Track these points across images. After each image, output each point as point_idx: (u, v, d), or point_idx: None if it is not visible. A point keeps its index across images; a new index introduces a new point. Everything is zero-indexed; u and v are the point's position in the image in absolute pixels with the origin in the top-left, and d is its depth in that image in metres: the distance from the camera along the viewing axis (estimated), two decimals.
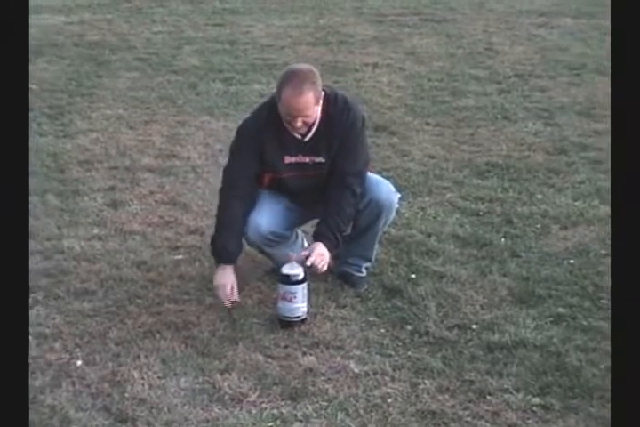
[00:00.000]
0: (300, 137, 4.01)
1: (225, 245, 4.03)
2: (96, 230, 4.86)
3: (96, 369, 3.60)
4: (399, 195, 4.25)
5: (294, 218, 4.14)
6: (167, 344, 3.77)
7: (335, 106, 4.01)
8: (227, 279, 3.98)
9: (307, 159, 4.05)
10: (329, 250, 3.96)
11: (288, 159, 4.04)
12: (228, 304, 3.97)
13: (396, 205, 4.22)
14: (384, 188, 4.15)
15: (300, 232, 4.31)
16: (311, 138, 4.02)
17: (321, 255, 3.90)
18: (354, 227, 4.23)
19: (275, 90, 3.94)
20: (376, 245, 4.32)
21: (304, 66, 4.06)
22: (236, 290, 3.99)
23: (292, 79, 3.86)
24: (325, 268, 3.95)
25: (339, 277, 4.33)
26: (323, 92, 3.96)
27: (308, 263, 3.86)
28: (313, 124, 3.98)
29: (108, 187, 5.48)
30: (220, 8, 11.25)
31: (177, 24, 10.38)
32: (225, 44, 9.35)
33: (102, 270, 4.41)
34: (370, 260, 4.34)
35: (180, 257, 4.57)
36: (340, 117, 4.00)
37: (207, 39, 9.56)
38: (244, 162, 4.05)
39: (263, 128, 4.01)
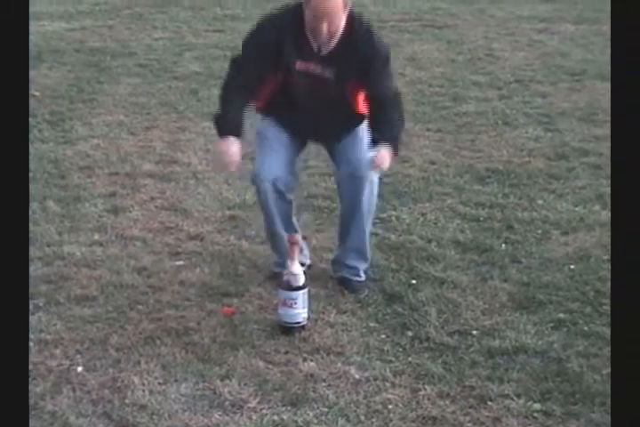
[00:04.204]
0: (316, 50, 4.01)
1: (229, 118, 4.06)
2: (97, 236, 4.87)
3: (96, 375, 3.60)
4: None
5: (294, 155, 4.25)
6: (168, 350, 3.77)
7: (360, 26, 4.01)
8: (230, 145, 4.01)
9: (318, 70, 4.03)
10: (391, 153, 4.02)
11: (300, 64, 4.02)
12: (233, 168, 4.05)
13: (376, 179, 4.23)
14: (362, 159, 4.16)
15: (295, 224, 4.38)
16: (328, 53, 4.01)
17: (387, 160, 3.99)
18: (341, 208, 4.34)
19: None
20: (367, 239, 4.34)
21: None
22: (238, 157, 4.02)
23: None
24: (387, 166, 4.03)
25: (339, 283, 4.34)
26: (350, 9, 3.95)
27: (376, 161, 3.96)
28: (332, 38, 3.96)
29: (109, 193, 5.49)
30: (221, 14, 11.29)
31: (178, 30, 10.41)
32: (226, 50, 9.35)
33: (103, 276, 4.42)
34: (366, 259, 4.36)
35: (181, 263, 4.58)
36: (362, 38, 4.00)
37: (208, 45, 9.59)
38: (258, 55, 4.04)
39: (285, 28, 4.00)
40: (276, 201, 4.19)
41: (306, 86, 4.08)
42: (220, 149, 4.05)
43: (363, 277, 4.35)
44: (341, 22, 3.93)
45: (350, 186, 4.20)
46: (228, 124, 4.06)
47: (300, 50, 4.01)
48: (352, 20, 3.99)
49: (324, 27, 3.89)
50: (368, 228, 4.36)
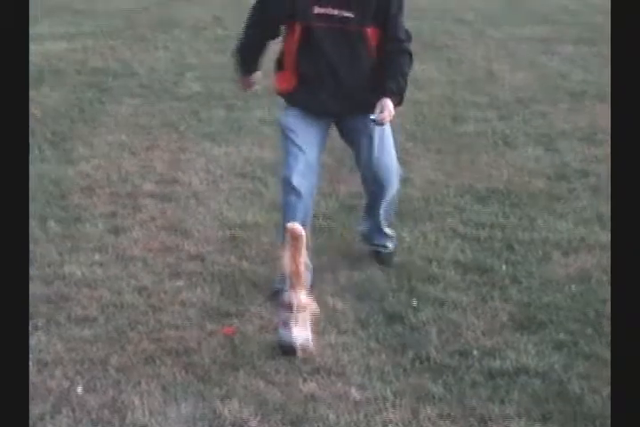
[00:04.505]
0: None
1: (246, 61, 4.60)
2: (97, 256, 4.87)
3: (96, 396, 3.60)
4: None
5: (320, 148, 4.53)
6: (168, 371, 3.77)
7: None
8: (246, 81, 4.69)
9: (335, 12, 4.29)
10: (394, 105, 4.33)
11: (317, 9, 4.29)
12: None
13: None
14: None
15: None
16: None
17: (390, 112, 4.30)
18: (367, 198, 4.82)
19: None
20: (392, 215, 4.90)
21: None
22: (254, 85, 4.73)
23: None
24: (388, 120, 4.36)
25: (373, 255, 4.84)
26: None
27: (378, 117, 4.28)
28: None
29: (110, 213, 5.50)
30: (222, 35, 11.30)
31: (179, 51, 10.45)
32: (227, 70, 9.37)
33: (103, 296, 4.42)
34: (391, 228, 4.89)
35: (181, 283, 4.58)
36: None
37: (209, 66, 9.61)
38: (275, 4, 4.40)
39: None
40: (299, 205, 4.41)
41: (326, 29, 4.32)
42: (240, 82, 4.78)
43: (392, 245, 4.87)
44: None
45: (373, 187, 4.68)
46: (243, 64, 4.61)
47: None
48: None
49: None
50: (393, 205, 4.85)
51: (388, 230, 4.88)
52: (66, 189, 5.91)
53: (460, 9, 12.60)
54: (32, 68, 9.22)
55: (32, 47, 10.24)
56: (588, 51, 10.16)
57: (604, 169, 6.15)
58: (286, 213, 4.42)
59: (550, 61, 9.75)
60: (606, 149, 6.54)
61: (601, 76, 8.90)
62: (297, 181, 4.37)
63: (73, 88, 8.65)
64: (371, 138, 4.52)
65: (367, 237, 4.92)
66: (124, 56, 10.12)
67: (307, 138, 4.44)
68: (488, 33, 11.43)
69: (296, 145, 4.40)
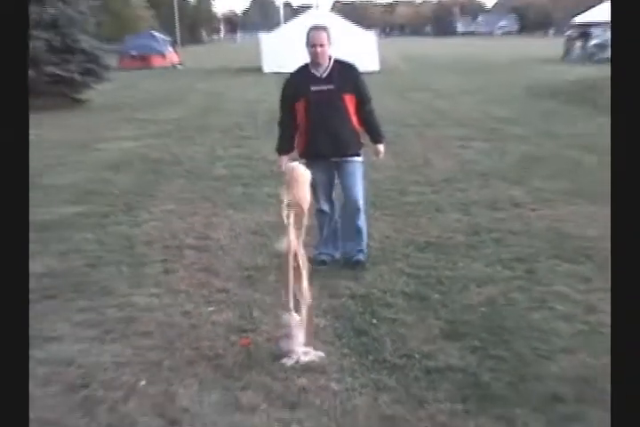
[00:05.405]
0: (319, 76, 4.84)
1: (281, 144, 5.02)
2: (154, 290, 4.90)
3: (154, 388, 3.61)
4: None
5: (331, 184, 5.14)
6: (203, 370, 3.78)
7: (345, 61, 4.93)
8: (282, 161, 4.91)
9: (325, 87, 4.82)
10: (381, 144, 5.19)
11: (313, 87, 4.82)
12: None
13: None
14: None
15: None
16: (327, 75, 4.84)
17: (381, 150, 5.26)
18: (342, 223, 5.27)
19: None
20: (365, 235, 5.23)
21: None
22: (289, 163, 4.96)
23: (315, 26, 4.84)
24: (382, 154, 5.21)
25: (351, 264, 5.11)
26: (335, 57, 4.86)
27: (377, 156, 5.25)
28: (328, 66, 4.83)
29: (163, 259, 5.52)
30: (241, 135, 11.49)
31: (212, 146, 10.57)
32: (244, 159, 9.52)
33: (159, 318, 4.44)
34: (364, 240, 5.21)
35: (212, 309, 4.60)
36: (350, 66, 4.92)
37: (232, 157, 9.73)
38: (289, 109, 4.89)
39: (296, 73, 4.90)
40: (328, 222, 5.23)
41: (319, 98, 4.80)
42: (279, 163, 4.99)
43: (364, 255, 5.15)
44: (329, 51, 4.79)
45: (350, 213, 5.11)
46: (280, 148, 5.00)
47: (311, 79, 4.82)
48: (338, 60, 4.89)
49: (319, 49, 4.72)
50: (365, 227, 5.23)
51: (363, 245, 5.17)
52: (133, 243, 5.95)
53: (407, 117, 12.82)
54: (112, 160, 9.40)
55: (112, 146, 10.45)
56: (490, 146, 10.30)
57: (505, 227, 6.22)
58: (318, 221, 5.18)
59: (467, 153, 9.88)
60: (504, 213, 6.63)
61: (500, 162, 9.03)
62: (324, 207, 5.12)
63: (139, 173, 8.74)
64: (351, 175, 5.05)
65: (346, 254, 5.14)
66: (175, 150, 10.24)
67: (323, 183, 5.01)
68: (425, 133, 11.59)
69: (317, 186, 4.91)
